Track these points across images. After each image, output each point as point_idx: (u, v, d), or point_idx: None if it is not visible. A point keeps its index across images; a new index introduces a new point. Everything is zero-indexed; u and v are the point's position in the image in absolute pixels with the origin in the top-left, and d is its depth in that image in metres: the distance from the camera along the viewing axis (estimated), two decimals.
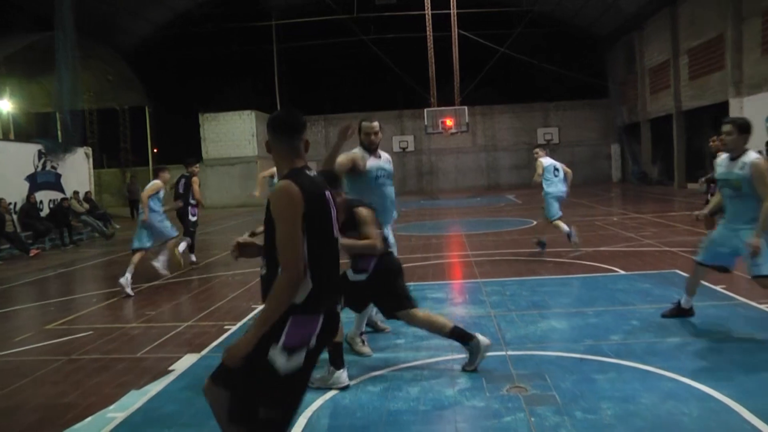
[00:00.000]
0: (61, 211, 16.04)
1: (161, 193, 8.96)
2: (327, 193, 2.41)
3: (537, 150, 10.71)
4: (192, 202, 10.35)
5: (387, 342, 5.36)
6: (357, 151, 5.41)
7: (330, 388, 4.23)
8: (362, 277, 4.50)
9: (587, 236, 11.65)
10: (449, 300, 6.92)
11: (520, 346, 5.04)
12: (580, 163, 32.94)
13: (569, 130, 34.07)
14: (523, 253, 10.05)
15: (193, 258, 10.48)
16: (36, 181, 16.77)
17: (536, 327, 5.59)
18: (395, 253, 4.79)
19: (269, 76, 32.57)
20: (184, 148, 31.86)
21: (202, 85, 32.95)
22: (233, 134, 29.71)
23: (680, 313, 5.48)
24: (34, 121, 26.43)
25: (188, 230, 10.31)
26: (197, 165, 10.68)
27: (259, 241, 2.62)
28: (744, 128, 4.82)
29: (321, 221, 2.33)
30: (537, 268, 8.63)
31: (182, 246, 10.06)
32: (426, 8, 28.90)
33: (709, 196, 9.08)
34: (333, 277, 2.41)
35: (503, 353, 4.89)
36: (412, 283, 7.85)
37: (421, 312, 4.59)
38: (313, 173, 2.46)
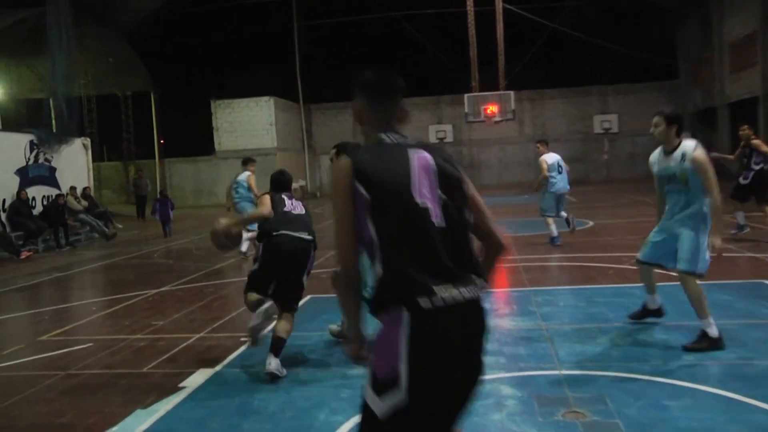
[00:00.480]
0: (55, 208, 16.11)
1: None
2: (415, 161, 2.12)
3: (538, 145, 11.56)
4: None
5: None
6: None
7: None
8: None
9: None
10: (493, 311, 6.86)
11: (576, 365, 4.97)
12: (643, 155, 32.46)
13: (631, 117, 33.64)
14: (579, 258, 9.94)
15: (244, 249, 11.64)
16: (27, 176, 16.77)
17: (595, 343, 5.51)
18: None
19: (290, 58, 32.83)
20: (194, 139, 32.46)
21: (214, 69, 33.45)
22: (249, 123, 30.05)
23: (647, 314, 5.97)
24: (25, 108, 26.51)
25: None
26: (253, 163, 12.44)
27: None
28: (672, 119, 5.10)
29: (395, 197, 2.03)
30: (595, 275, 8.53)
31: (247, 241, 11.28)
32: None
33: None
34: (421, 263, 1.97)
35: (557, 372, 4.82)
36: None
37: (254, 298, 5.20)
38: (397, 139, 2.24)
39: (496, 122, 28.54)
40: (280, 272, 5.13)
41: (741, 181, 11.01)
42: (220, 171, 30.08)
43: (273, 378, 4.95)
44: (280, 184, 5.64)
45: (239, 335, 6.38)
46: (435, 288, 1.94)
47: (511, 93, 28.05)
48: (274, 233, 5.13)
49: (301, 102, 33.73)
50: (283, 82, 32.58)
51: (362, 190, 2.04)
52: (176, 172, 31.36)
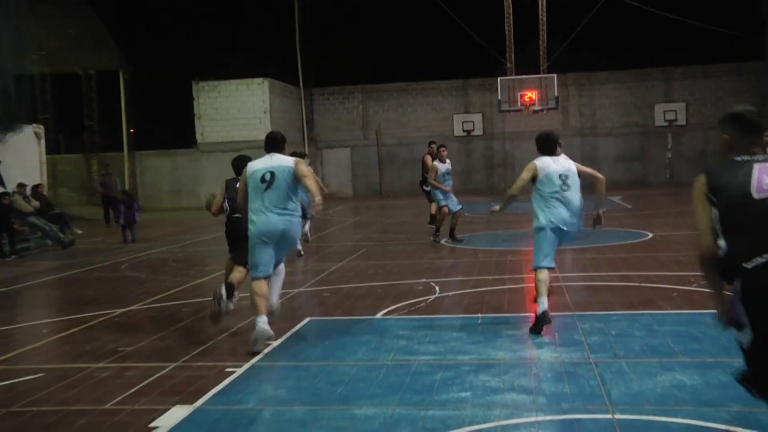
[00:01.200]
0: None
1: None
2: (757, 169, 3.46)
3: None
4: None
5: (449, 395, 5.33)
6: None
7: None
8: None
9: None
10: (531, 340, 6.85)
11: (632, 408, 4.95)
12: (716, 148, 32.43)
13: (702, 106, 33.51)
14: (635, 277, 9.91)
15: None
16: None
17: (655, 382, 5.49)
18: None
19: (288, 33, 33.01)
20: (172, 129, 32.65)
21: (197, 44, 33.60)
22: (239, 110, 30.21)
23: (540, 322, 6.98)
24: None
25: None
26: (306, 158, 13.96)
27: None
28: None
29: (735, 198, 3.44)
30: (655, 297, 8.50)
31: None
32: None
33: None
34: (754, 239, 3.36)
35: (609, 417, 4.80)
36: (480, 315, 7.88)
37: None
38: (747, 158, 3.53)
39: (536, 112, 28.58)
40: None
41: None
42: (203, 167, 30.23)
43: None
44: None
45: (224, 365, 6.39)
46: (758, 255, 3.31)
47: (554, 76, 28.11)
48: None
49: (302, 85, 33.87)
50: (280, 61, 32.79)
51: (712, 197, 3.48)
52: (149, 168, 31.48)
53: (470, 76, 34.82)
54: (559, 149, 9.92)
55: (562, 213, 7.35)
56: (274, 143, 7.36)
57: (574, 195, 7.47)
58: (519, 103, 27.91)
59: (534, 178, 7.57)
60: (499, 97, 28.19)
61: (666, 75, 34.10)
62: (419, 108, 35.21)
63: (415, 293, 9.44)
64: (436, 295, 9.29)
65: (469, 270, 11.30)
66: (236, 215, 8.09)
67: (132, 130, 31.02)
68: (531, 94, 27.75)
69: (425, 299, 9.03)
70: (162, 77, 32.93)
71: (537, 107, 27.87)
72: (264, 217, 6.89)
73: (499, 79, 28.58)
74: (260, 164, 7.11)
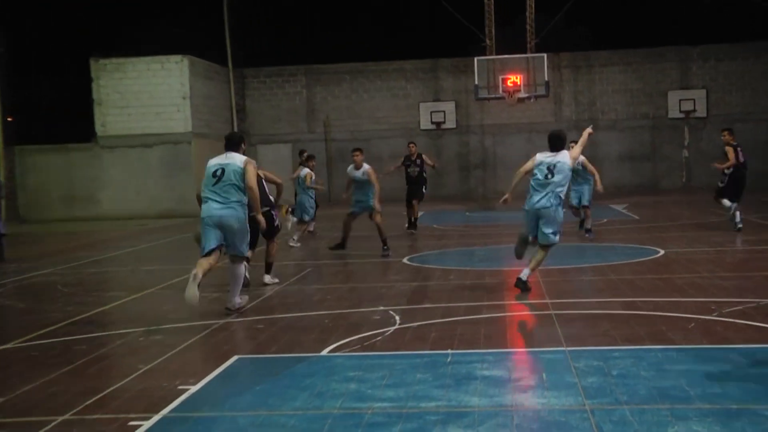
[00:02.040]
0: None
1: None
2: None
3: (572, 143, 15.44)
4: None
5: None
6: None
7: None
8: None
9: (763, 281, 11.49)
10: (513, 381, 6.86)
11: None
12: (747, 150, 32.86)
13: (726, 94, 34.13)
14: (642, 304, 10.00)
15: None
16: None
17: None
18: None
19: (213, 1, 32.89)
20: (63, 118, 32.18)
21: (97, 13, 33.22)
22: (151, 96, 30.02)
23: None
24: None
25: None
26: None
27: None
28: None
29: None
30: (667, 329, 8.56)
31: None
32: None
33: None
34: None
35: None
36: (450, 351, 7.88)
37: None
38: None
39: (521, 100, 28.79)
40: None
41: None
42: (105, 166, 29.94)
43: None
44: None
45: (127, 417, 6.30)
46: None
47: (544, 56, 28.34)
48: None
49: (231, 65, 33.78)
50: (203, 34, 32.62)
51: None
52: (33, 168, 30.98)
53: (441, 55, 35.06)
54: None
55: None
56: (230, 143, 10.95)
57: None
58: (501, 90, 28.07)
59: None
60: (476, 82, 28.34)
61: (682, 55, 34.64)
62: (378, 94, 35.36)
63: (371, 324, 9.41)
64: (397, 326, 9.28)
65: (438, 295, 11.32)
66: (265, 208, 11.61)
67: (9, 119, 30.47)
68: (515, 78, 27.93)
69: (383, 332, 9.01)
70: (50, 53, 32.46)
71: (523, 94, 28.06)
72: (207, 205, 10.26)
73: (476, 59, 28.74)
74: (215, 161, 10.62)
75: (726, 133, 18.58)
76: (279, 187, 12.09)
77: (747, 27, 33.54)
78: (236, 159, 10.41)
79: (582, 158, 16.29)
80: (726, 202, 17.96)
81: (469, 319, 9.58)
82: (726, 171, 17.97)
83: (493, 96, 28.71)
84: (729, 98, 34.03)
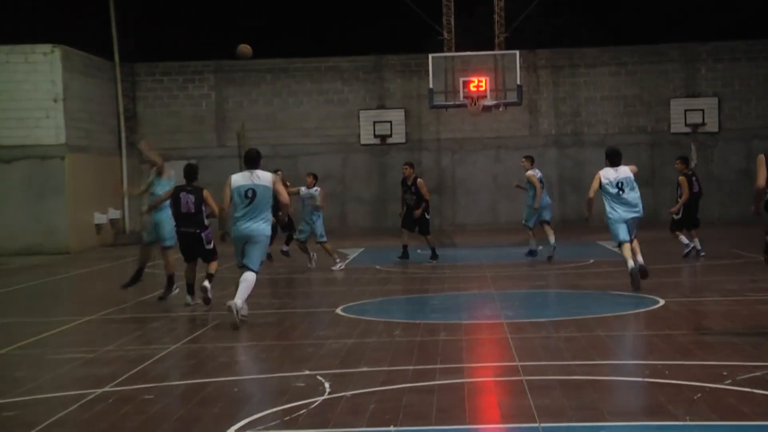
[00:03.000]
0: None
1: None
2: None
3: (524, 161, 21.53)
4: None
5: None
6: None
7: None
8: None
9: None
10: None
11: None
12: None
13: (743, 103, 34.50)
14: (636, 368, 10.03)
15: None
16: None
17: None
18: None
19: None
20: None
21: None
22: (10, 96, 29.62)
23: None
24: None
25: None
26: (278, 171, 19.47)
27: None
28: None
29: None
30: (667, 400, 8.56)
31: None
32: None
33: None
34: None
35: None
36: (394, 428, 7.82)
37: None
38: None
39: (487, 108, 28.89)
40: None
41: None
42: None
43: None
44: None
45: None
46: None
47: (516, 54, 28.53)
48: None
49: (117, 58, 33.55)
50: (82, 20, 32.41)
51: None
52: None
53: (387, 50, 35.14)
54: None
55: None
56: (251, 161, 14.34)
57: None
58: (462, 95, 28.10)
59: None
60: (431, 85, 28.40)
61: (688, 54, 35.03)
62: (306, 99, 35.35)
63: (294, 393, 9.34)
64: (326, 395, 9.22)
65: (380, 356, 11.29)
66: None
67: None
68: (480, 82, 28.04)
69: (309, 403, 8.94)
70: None
71: (489, 102, 28.12)
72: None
73: (430, 56, 28.83)
74: (242, 181, 14.04)
75: (679, 162, 22.53)
76: (214, 213, 15.72)
77: None
78: (264, 179, 13.90)
79: (531, 173, 22.45)
80: (683, 239, 21.88)
81: (418, 387, 9.53)
82: (679, 200, 21.89)
83: (451, 103, 28.78)
84: (746, 108, 34.40)
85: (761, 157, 11.47)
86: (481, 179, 35.33)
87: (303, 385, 9.73)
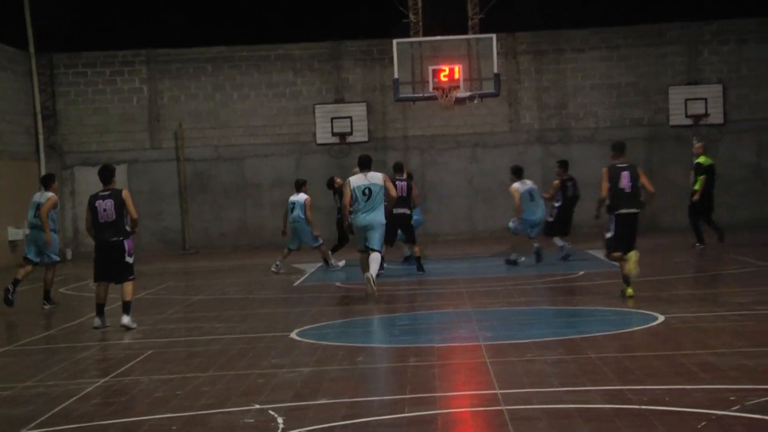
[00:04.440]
0: None
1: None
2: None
3: (558, 168, 24.53)
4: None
5: None
6: None
7: None
8: None
9: None
10: None
11: None
12: None
13: (751, 90, 34.70)
14: (634, 395, 10.06)
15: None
16: None
17: None
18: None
19: None
20: None
21: None
22: None
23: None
24: None
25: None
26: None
27: None
28: None
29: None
30: (667, 430, 8.61)
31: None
32: None
33: None
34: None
35: None
36: None
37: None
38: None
39: (461, 101, 28.92)
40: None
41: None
42: None
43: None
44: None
45: None
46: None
47: (493, 38, 28.56)
48: None
49: (32, 48, 33.40)
50: None
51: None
52: None
53: (345, 36, 35.13)
54: (515, 176, 22.85)
55: None
56: (366, 163, 20.25)
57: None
58: (431, 86, 28.07)
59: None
60: (396, 75, 28.34)
61: (689, 35, 35.22)
62: (254, 93, 35.32)
63: (242, 431, 9.36)
64: None
65: (341, 386, 11.30)
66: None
67: None
68: (452, 70, 28.04)
69: None
70: None
71: (463, 93, 28.09)
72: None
73: (395, 42, 28.75)
74: (359, 182, 19.64)
75: (558, 166, 25.64)
76: (135, 220, 16.56)
77: None
78: (377, 178, 19.73)
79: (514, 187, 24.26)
80: (558, 240, 24.81)
81: (385, 421, 9.55)
82: (555, 204, 24.51)
83: (420, 95, 28.74)
84: (755, 97, 34.54)
85: (604, 170, 17.60)
86: (455, 182, 35.36)
87: (252, 421, 9.74)
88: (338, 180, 26.19)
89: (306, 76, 35.14)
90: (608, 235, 17.59)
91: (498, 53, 28.66)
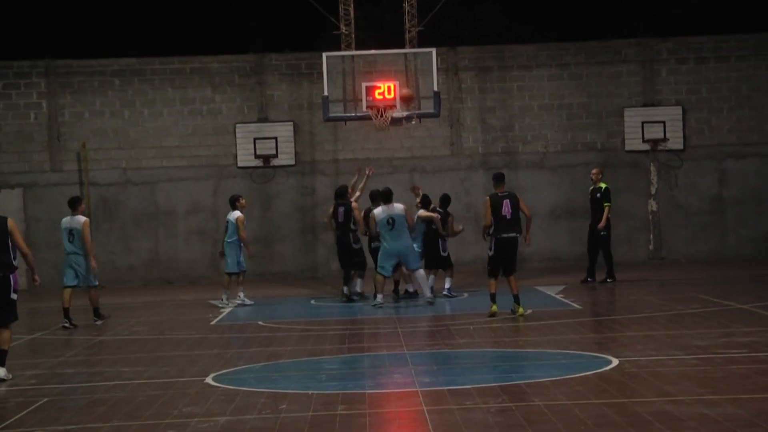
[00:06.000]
0: None
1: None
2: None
3: (416, 189, 27.92)
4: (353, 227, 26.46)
5: None
6: None
7: None
8: None
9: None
10: None
11: None
12: (741, 194, 34.48)
13: (713, 113, 34.99)
14: None
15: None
16: None
17: None
18: None
19: None
20: None
21: None
22: None
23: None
24: None
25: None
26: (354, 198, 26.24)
27: None
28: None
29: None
30: None
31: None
32: None
33: None
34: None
35: None
36: None
37: None
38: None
39: (397, 121, 28.98)
40: None
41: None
42: None
43: None
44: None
45: None
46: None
47: (432, 52, 28.66)
48: None
49: None
50: None
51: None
52: None
53: (269, 48, 35.16)
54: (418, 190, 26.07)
55: None
56: (388, 197, 25.04)
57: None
58: (365, 105, 28.07)
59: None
60: (326, 92, 28.37)
61: (646, 53, 35.55)
62: (167, 110, 35.19)
63: None
64: None
65: None
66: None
67: None
68: (387, 88, 28.07)
69: None
70: None
71: (399, 113, 28.11)
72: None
73: (324, 55, 28.81)
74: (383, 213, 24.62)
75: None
76: (24, 251, 16.31)
77: (742, 13, 34.53)
78: (398, 209, 24.37)
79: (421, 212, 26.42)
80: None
81: None
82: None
83: (352, 115, 28.74)
84: (717, 120, 34.76)
85: (487, 199, 21.66)
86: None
87: None
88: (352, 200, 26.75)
89: (226, 92, 34.99)
90: (490, 253, 22.05)
91: (438, 69, 28.70)
